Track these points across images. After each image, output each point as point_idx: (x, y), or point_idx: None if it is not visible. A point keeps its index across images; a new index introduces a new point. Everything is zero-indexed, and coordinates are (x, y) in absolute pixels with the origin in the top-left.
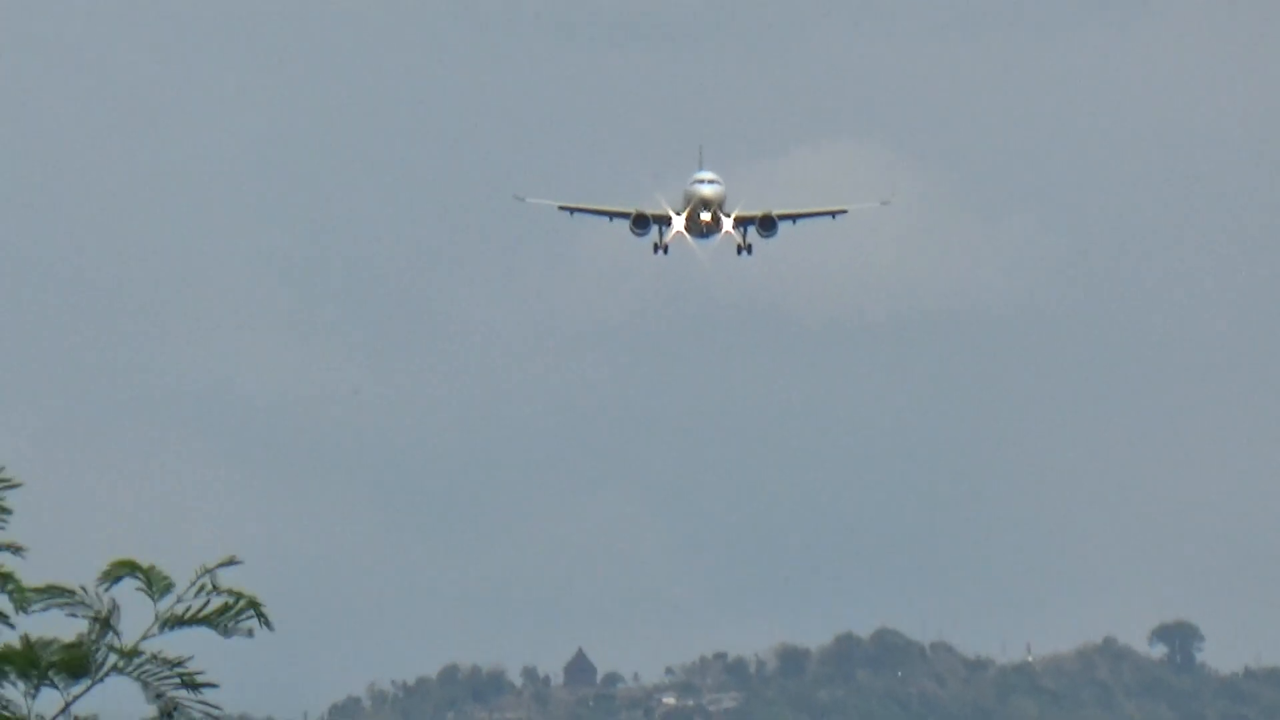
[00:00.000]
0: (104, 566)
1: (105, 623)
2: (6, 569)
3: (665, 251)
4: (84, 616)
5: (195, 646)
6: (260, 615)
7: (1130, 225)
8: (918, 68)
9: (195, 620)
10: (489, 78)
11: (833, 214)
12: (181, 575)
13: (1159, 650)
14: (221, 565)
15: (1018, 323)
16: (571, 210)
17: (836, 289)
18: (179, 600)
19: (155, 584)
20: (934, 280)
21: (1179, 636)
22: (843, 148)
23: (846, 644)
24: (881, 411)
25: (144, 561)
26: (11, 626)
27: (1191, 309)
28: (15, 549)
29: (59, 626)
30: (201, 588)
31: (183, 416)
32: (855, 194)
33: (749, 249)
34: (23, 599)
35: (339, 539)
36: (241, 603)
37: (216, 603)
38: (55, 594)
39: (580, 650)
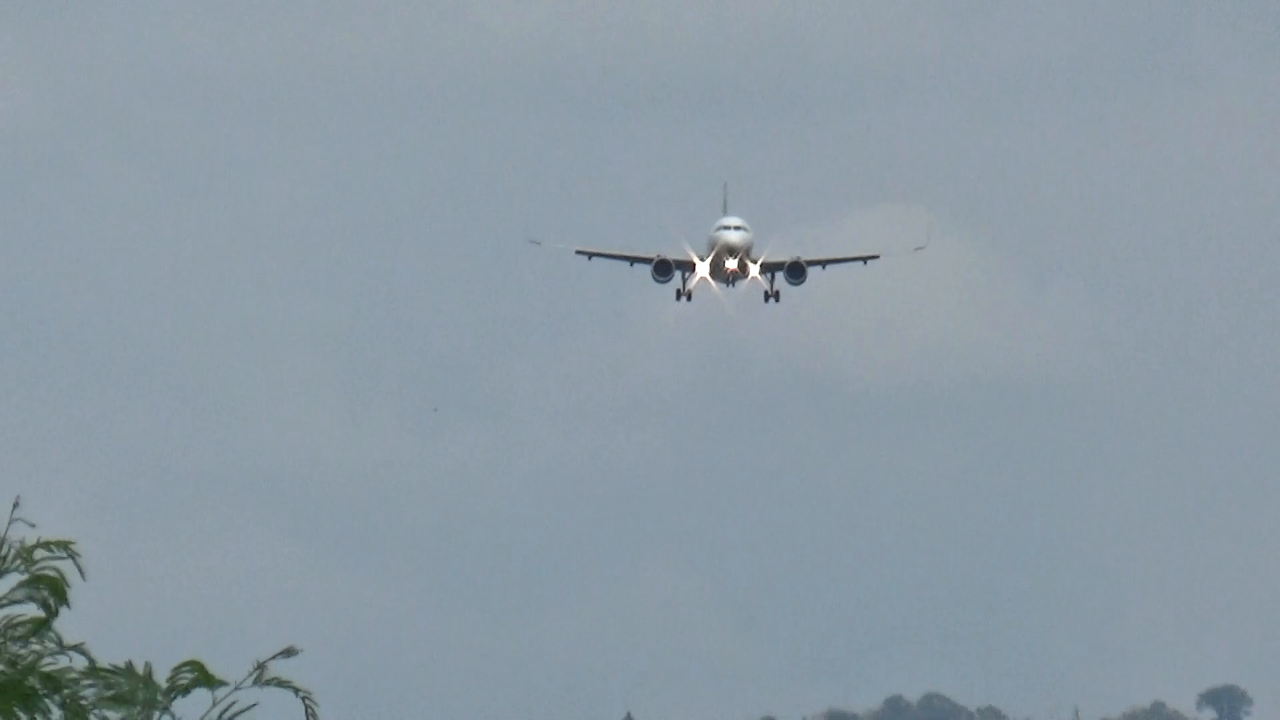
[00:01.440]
0: (170, 670)
1: (155, 705)
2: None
3: (688, 298)
4: (140, 704)
5: None
6: (311, 713)
7: (1182, 296)
8: (962, 135)
9: None
10: (520, 135)
11: (864, 260)
12: (236, 649)
13: (1207, 715)
14: (278, 656)
15: (1064, 390)
16: (589, 255)
17: (873, 346)
18: (236, 689)
19: (211, 683)
20: (977, 345)
21: (1227, 701)
22: (884, 211)
23: (895, 709)
24: (927, 476)
25: (203, 661)
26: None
27: (1237, 380)
28: (78, 649)
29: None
30: (258, 679)
31: (232, 490)
32: (894, 248)
33: (776, 296)
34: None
35: (386, 610)
36: None
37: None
38: (104, 676)
39: (629, 716)
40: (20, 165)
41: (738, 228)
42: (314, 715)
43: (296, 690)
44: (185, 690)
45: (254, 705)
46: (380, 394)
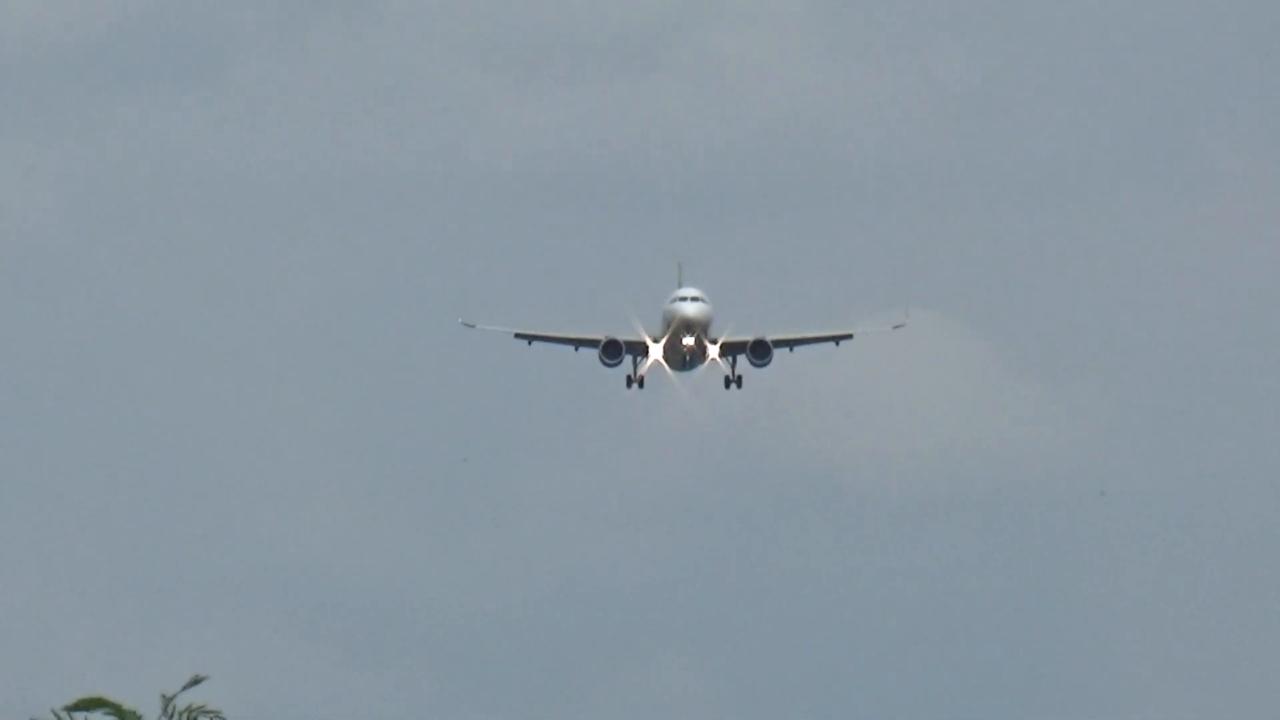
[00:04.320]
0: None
1: None
2: None
3: (640, 385)
4: None
5: None
6: None
7: (1187, 396)
8: (953, 228)
9: None
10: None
11: (836, 340)
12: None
13: None
14: (188, 686)
15: (1077, 495)
16: (530, 339)
17: (851, 439)
18: None
19: (126, 718)
20: (964, 437)
21: None
22: (860, 290)
23: None
24: (931, 579)
25: (113, 697)
26: None
27: (1262, 486)
28: None
29: None
30: (172, 714)
31: (235, 592)
32: (869, 326)
33: (739, 381)
34: None
35: (391, 714)
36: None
37: None
38: None
39: None
40: (32, 265)
41: (695, 299)
42: None
43: (205, 711)
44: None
45: None
46: (379, 496)
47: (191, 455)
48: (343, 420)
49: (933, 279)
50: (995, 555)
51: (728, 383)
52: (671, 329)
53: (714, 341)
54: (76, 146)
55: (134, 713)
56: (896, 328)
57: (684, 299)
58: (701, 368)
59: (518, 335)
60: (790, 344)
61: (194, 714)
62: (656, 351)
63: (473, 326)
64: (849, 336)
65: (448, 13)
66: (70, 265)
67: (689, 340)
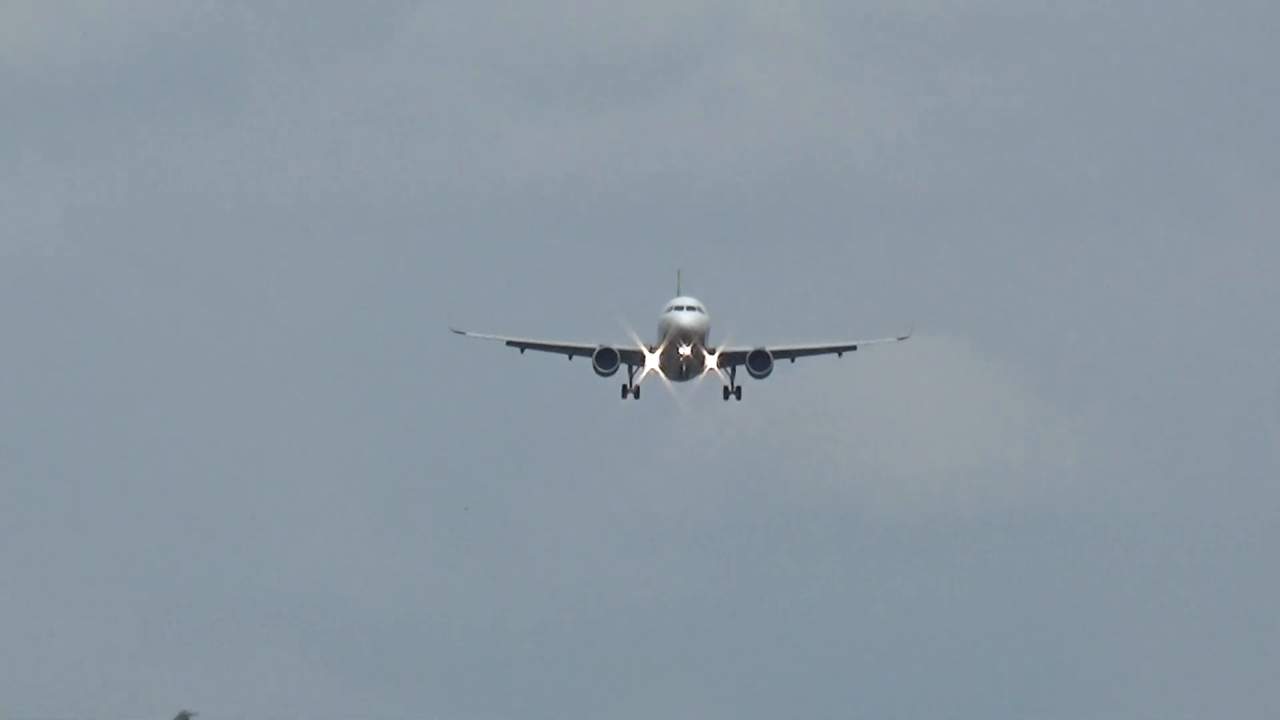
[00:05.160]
0: None
1: None
2: None
3: (636, 395)
4: None
5: None
6: None
7: (1193, 421)
8: (975, 251)
9: None
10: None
11: (839, 351)
12: None
13: None
14: None
15: (1094, 520)
16: (522, 346)
17: (854, 454)
18: None
19: None
20: (968, 453)
21: None
22: (864, 303)
23: None
24: (931, 592)
25: None
26: None
27: (1272, 509)
28: None
29: None
30: None
31: (253, 616)
32: (873, 338)
33: (738, 392)
34: None
35: None
36: None
37: None
38: None
39: None
40: (45, 290)
41: (691, 308)
42: None
43: None
44: None
45: None
46: (359, 504)
47: (189, 455)
48: (333, 431)
49: (939, 295)
50: (992, 566)
51: (726, 394)
52: (667, 338)
53: (712, 351)
54: (92, 171)
55: None
56: (901, 339)
57: (680, 308)
58: (699, 378)
59: (510, 343)
60: (792, 355)
61: None
62: (653, 361)
63: (463, 334)
64: (852, 348)
65: (459, 33)
66: (83, 287)
67: (685, 350)
